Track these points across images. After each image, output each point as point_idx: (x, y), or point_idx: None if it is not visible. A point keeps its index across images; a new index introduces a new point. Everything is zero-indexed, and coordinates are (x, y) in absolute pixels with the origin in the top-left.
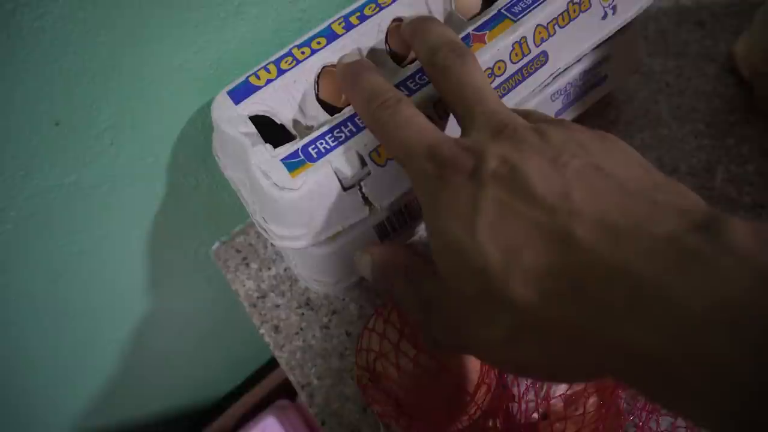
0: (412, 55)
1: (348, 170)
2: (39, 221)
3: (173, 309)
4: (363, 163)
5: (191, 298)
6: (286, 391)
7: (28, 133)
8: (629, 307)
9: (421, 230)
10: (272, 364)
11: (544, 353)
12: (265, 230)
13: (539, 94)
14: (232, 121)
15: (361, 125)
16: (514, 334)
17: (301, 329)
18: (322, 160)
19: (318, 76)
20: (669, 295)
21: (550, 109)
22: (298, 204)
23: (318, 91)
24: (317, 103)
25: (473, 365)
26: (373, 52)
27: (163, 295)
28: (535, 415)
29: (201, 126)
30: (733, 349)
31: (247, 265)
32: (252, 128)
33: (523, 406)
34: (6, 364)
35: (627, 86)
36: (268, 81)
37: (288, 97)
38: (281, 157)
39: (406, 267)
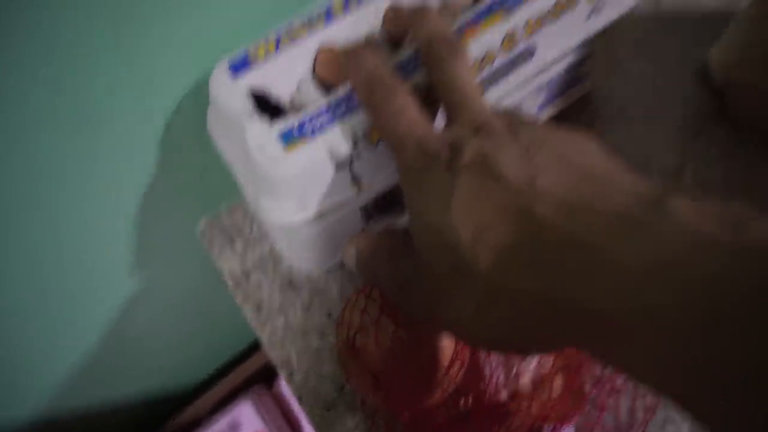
0: (407, 39)
1: (341, 148)
2: (24, 191)
3: (156, 286)
4: (356, 142)
5: (175, 276)
6: (263, 377)
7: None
8: (581, 272)
9: (403, 219)
10: (250, 350)
11: (512, 325)
12: (255, 204)
13: (523, 89)
14: (229, 94)
15: (356, 105)
16: (482, 306)
17: (283, 308)
18: (316, 136)
19: (316, 55)
20: (615, 257)
21: (533, 103)
22: (291, 179)
23: (315, 69)
24: (314, 82)
25: (448, 342)
26: (369, 34)
27: (147, 271)
28: (504, 393)
29: (196, 100)
30: (666, 299)
31: (233, 244)
32: (248, 102)
33: (493, 384)
34: None
35: (605, 87)
36: (267, 57)
37: (285, 73)
38: (276, 132)
39: (389, 250)
